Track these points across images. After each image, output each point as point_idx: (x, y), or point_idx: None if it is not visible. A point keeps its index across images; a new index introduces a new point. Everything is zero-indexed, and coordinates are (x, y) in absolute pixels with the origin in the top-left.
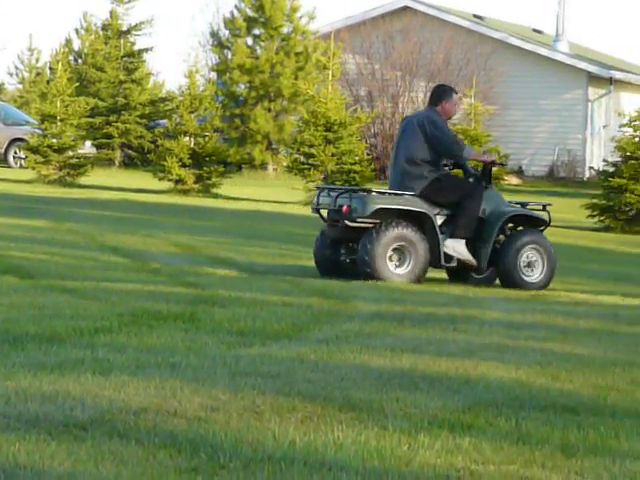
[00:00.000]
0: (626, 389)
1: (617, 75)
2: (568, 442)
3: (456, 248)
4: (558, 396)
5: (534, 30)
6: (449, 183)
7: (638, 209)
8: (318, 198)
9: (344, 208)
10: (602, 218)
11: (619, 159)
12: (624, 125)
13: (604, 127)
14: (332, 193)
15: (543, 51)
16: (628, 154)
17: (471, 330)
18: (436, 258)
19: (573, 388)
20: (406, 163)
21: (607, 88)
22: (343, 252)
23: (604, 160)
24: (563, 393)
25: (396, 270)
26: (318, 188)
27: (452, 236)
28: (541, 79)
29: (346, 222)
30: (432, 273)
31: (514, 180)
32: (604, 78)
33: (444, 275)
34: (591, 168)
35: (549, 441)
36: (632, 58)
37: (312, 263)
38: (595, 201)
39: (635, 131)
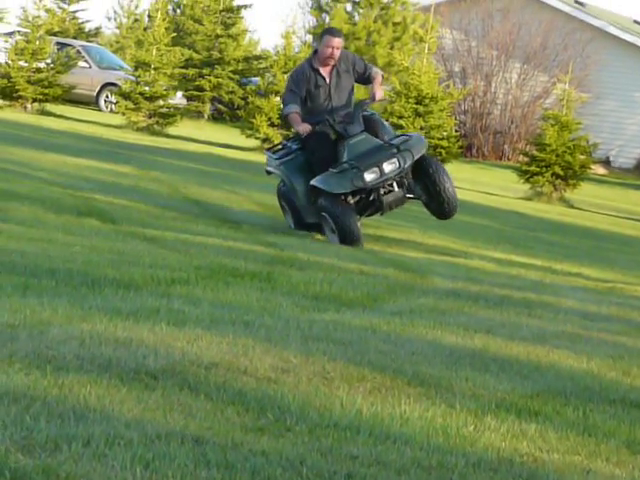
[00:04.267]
0: None
1: None
2: (635, 438)
3: None
4: (628, 391)
5: (635, 21)
6: None
7: None
8: None
9: None
10: None
11: None
12: None
13: None
14: None
15: None
16: None
17: (545, 316)
18: None
19: None
20: None
21: None
22: None
23: None
24: (633, 389)
25: None
26: None
27: None
28: (638, 71)
29: None
30: (512, 256)
31: (600, 170)
32: None
33: (523, 259)
34: None
35: (615, 435)
36: None
37: (392, 234)
38: None
39: None
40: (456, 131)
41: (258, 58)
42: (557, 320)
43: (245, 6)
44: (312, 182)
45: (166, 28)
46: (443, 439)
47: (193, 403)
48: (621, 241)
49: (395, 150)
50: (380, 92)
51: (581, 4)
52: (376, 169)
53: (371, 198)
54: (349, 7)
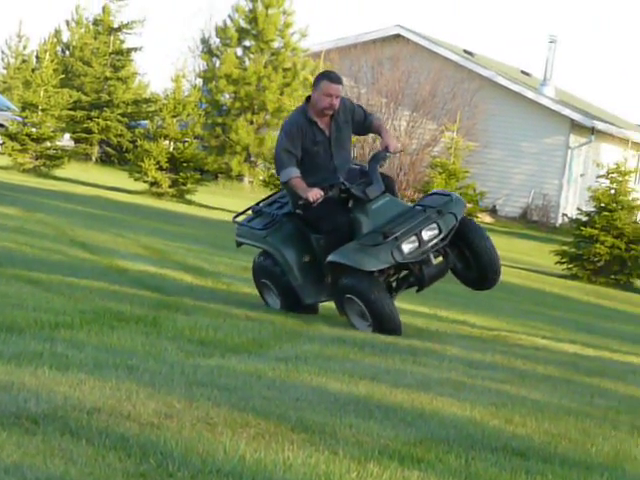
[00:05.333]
0: (577, 439)
1: (599, 126)
2: None
3: None
4: (510, 439)
5: (522, 72)
6: None
7: (606, 260)
8: None
9: None
10: (570, 266)
11: (593, 209)
12: (601, 176)
13: (581, 176)
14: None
15: (529, 94)
16: (602, 205)
17: (430, 364)
18: None
19: (525, 433)
20: None
21: (588, 137)
22: None
23: (578, 209)
24: (515, 436)
25: None
26: None
27: None
28: (524, 121)
29: None
30: (398, 303)
31: (487, 218)
32: (586, 127)
33: (409, 306)
34: (564, 215)
35: None
36: (615, 110)
37: None
38: (565, 248)
39: (611, 183)
40: None
41: (147, 101)
42: (441, 367)
43: (135, 49)
44: (331, 258)
45: (54, 69)
46: None
47: (74, 448)
48: (506, 289)
49: (433, 213)
50: (394, 142)
51: (470, 54)
52: (414, 238)
53: (402, 274)
54: (240, 52)
